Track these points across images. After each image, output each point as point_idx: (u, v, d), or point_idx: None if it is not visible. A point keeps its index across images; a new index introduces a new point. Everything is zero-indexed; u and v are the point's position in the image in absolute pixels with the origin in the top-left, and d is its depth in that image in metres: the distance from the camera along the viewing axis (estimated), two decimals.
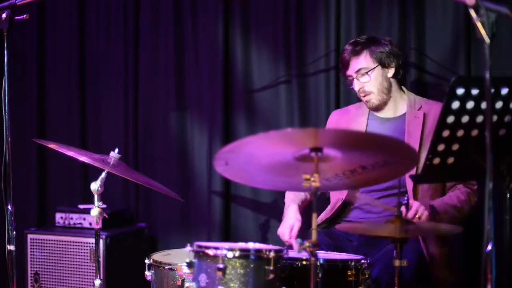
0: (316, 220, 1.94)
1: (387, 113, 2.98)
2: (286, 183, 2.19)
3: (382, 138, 2.14)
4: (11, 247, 2.48)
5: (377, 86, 2.92)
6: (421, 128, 2.84)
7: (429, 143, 2.69)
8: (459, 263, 3.25)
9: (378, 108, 2.97)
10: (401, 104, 2.96)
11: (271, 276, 2.07)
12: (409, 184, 2.78)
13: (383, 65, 2.92)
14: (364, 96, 2.94)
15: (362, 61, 2.91)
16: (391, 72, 2.94)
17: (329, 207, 3.00)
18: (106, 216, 2.70)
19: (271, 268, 2.07)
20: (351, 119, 3.03)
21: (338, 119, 3.10)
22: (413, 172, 2.35)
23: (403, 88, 3.02)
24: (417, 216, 2.57)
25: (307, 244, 1.93)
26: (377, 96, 2.92)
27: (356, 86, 2.94)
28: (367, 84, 2.91)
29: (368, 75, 2.90)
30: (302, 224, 2.80)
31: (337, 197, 2.95)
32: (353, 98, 3.33)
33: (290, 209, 2.86)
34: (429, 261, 2.74)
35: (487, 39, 1.68)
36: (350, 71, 2.95)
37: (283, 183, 2.19)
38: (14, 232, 2.49)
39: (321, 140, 1.90)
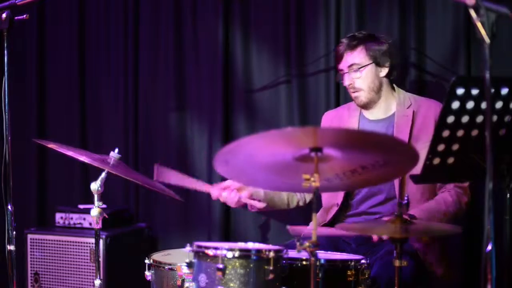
0: (316, 220, 1.94)
1: (377, 114, 2.94)
2: (286, 184, 2.19)
3: (381, 136, 2.13)
4: (11, 247, 2.49)
5: (368, 84, 2.88)
6: (410, 126, 2.82)
7: (418, 141, 2.71)
8: (457, 263, 3.25)
9: (367, 106, 2.93)
10: (391, 103, 2.93)
11: (271, 276, 2.07)
12: (397, 187, 2.73)
13: (377, 63, 2.88)
14: (353, 92, 2.90)
15: (356, 57, 2.87)
16: (384, 71, 2.90)
17: (322, 212, 2.97)
18: (106, 216, 2.69)
19: (271, 268, 2.07)
20: (343, 121, 3.01)
21: (331, 121, 3.08)
22: (413, 172, 2.34)
23: (394, 86, 2.98)
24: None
25: (307, 244, 1.93)
26: (366, 94, 2.88)
27: (347, 81, 2.90)
28: (358, 80, 2.87)
29: (360, 71, 2.86)
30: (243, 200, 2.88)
31: (331, 202, 2.93)
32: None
33: None
34: (426, 263, 2.74)
35: (487, 39, 1.68)
36: (343, 65, 2.91)
37: (283, 184, 2.18)
38: (14, 232, 2.49)
39: (321, 139, 1.89)
